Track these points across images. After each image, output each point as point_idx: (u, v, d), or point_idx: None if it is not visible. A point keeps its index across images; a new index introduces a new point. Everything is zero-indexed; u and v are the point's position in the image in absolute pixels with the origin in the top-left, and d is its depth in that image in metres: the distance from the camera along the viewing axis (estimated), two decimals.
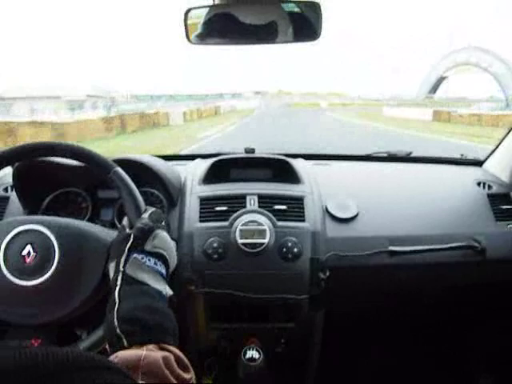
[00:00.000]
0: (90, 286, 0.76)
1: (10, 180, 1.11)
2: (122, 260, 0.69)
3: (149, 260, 0.71)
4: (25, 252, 0.73)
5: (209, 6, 0.94)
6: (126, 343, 0.60)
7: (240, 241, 1.03)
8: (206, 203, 1.13)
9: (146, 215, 0.77)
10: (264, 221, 1.05)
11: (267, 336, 1.11)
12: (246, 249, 1.03)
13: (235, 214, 1.08)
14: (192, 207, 1.12)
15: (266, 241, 1.03)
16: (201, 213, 1.11)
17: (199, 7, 0.94)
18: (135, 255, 0.70)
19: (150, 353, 0.56)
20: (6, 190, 1.18)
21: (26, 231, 0.75)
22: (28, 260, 0.73)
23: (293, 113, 28.92)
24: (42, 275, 0.72)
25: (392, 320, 1.47)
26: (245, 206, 1.10)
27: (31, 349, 0.36)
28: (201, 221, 1.09)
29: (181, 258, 1.04)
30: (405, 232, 1.14)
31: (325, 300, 1.10)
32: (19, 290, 0.72)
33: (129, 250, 0.70)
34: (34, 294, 0.72)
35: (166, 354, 0.57)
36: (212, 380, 1.18)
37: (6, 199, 1.15)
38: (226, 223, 1.07)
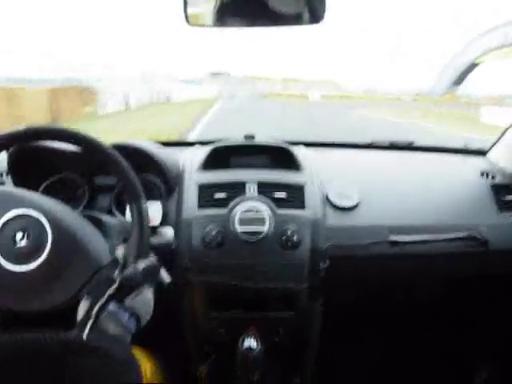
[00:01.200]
0: (77, 283, 0.74)
1: (4, 165, 1.09)
2: (98, 306, 0.69)
3: (123, 315, 0.71)
4: (17, 237, 0.72)
5: None
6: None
7: (239, 229, 1.01)
8: (205, 190, 1.11)
9: (141, 265, 0.75)
10: (263, 208, 1.04)
11: (266, 325, 1.10)
12: (245, 237, 1.01)
13: (234, 202, 1.06)
14: (190, 194, 1.11)
15: (265, 229, 1.01)
16: (199, 200, 1.09)
17: None
18: (112, 308, 0.70)
19: None
20: (0, 175, 1.16)
21: (21, 216, 0.73)
22: (20, 245, 0.71)
23: (279, 109, 18.44)
24: (33, 261, 0.71)
25: (391, 310, 1.47)
26: (244, 194, 1.08)
27: (35, 333, 0.36)
28: (199, 208, 1.08)
29: (179, 246, 1.03)
30: (406, 222, 1.13)
31: (324, 289, 1.09)
32: (10, 275, 0.70)
33: (108, 296, 0.70)
34: (25, 280, 0.71)
35: None
36: (207, 369, 1.18)
37: (0, 185, 1.13)
38: (224, 210, 1.05)
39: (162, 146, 1.21)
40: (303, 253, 1.03)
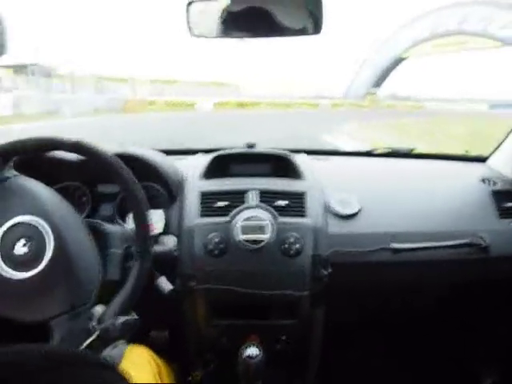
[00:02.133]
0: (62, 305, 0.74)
1: None
2: None
3: None
4: (19, 244, 0.72)
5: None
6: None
7: (241, 236, 1.02)
8: (207, 198, 1.12)
9: (120, 320, 0.74)
10: (265, 216, 1.04)
11: (268, 333, 1.10)
12: (247, 245, 1.02)
13: (236, 210, 1.07)
14: (192, 202, 1.11)
15: (267, 236, 1.02)
16: (201, 208, 1.10)
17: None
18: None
19: None
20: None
21: (24, 223, 0.74)
22: (21, 252, 0.72)
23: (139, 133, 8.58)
24: (33, 268, 0.71)
25: (394, 317, 1.46)
26: (246, 202, 1.09)
27: (25, 346, 0.35)
28: (201, 216, 1.08)
29: (181, 254, 1.04)
30: (407, 229, 1.13)
31: (326, 297, 1.09)
32: (11, 282, 0.71)
33: (85, 346, 0.69)
34: (23, 287, 0.71)
35: None
36: (201, 374, 1.18)
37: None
38: (226, 219, 1.06)
39: (165, 155, 1.22)
40: (305, 260, 1.04)
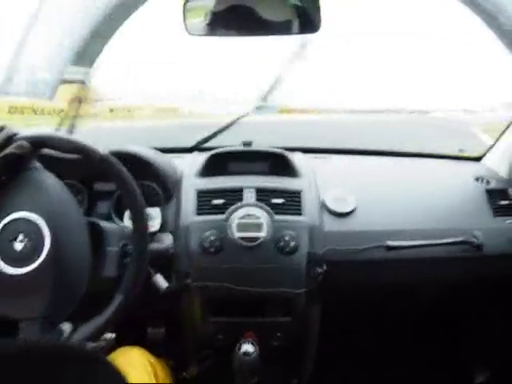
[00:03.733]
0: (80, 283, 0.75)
1: None
2: None
3: None
4: (16, 239, 0.72)
5: None
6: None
7: (237, 234, 1.03)
8: (203, 196, 1.12)
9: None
10: (261, 214, 1.05)
11: (264, 330, 1.11)
12: (243, 242, 1.02)
13: (232, 208, 1.07)
14: (189, 200, 1.12)
15: (263, 234, 1.02)
16: (198, 206, 1.10)
17: None
18: None
19: None
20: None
21: (21, 219, 0.74)
22: (17, 247, 0.72)
23: None
24: (29, 265, 0.71)
25: (389, 315, 1.47)
26: (242, 200, 1.09)
27: (21, 339, 0.36)
28: (198, 214, 1.09)
29: (177, 252, 1.04)
30: (402, 227, 1.14)
31: (322, 294, 1.10)
32: (7, 277, 0.71)
33: None
34: (21, 283, 0.71)
35: None
36: (196, 371, 1.18)
37: None
38: (222, 216, 1.06)
39: (161, 153, 1.22)
40: (300, 258, 1.04)
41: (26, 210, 0.74)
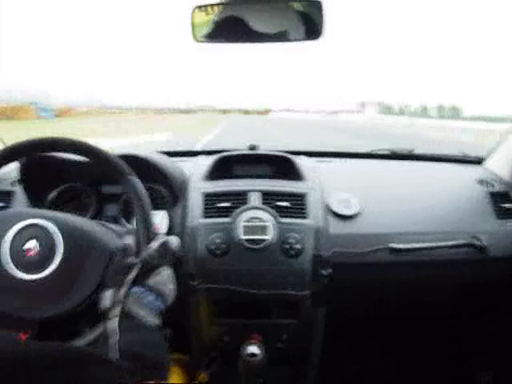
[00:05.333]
0: (89, 287, 0.76)
1: (16, 175, 1.12)
2: (122, 293, 0.68)
3: (149, 295, 0.71)
4: (29, 246, 0.73)
5: (217, 4, 0.95)
6: (127, 379, 0.56)
7: (243, 237, 1.04)
8: (210, 199, 1.13)
9: (155, 245, 0.75)
10: (267, 217, 1.06)
11: (269, 332, 1.12)
12: (249, 245, 1.04)
13: (238, 210, 1.09)
14: (195, 203, 1.13)
15: (268, 237, 1.04)
16: (204, 209, 1.12)
17: (207, 5, 0.95)
18: (136, 289, 0.70)
19: None
20: (12, 184, 1.19)
21: (34, 225, 0.75)
22: (30, 254, 0.73)
23: None
24: (42, 271, 0.72)
25: (393, 317, 1.48)
26: (248, 203, 1.11)
27: (26, 342, 0.37)
28: (204, 217, 1.10)
29: (184, 254, 1.05)
30: (406, 230, 1.15)
31: (327, 297, 1.11)
32: (19, 282, 0.72)
33: (131, 280, 0.70)
34: (33, 288, 0.72)
35: None
36: (208, 375, 1.19)
37: (12, 193, 1.16)
38: (229, 219, 1.08)
39: (168, 156, 1.24)
40: (305, 260, 1.05)
41: (41, 217, 0.76)
